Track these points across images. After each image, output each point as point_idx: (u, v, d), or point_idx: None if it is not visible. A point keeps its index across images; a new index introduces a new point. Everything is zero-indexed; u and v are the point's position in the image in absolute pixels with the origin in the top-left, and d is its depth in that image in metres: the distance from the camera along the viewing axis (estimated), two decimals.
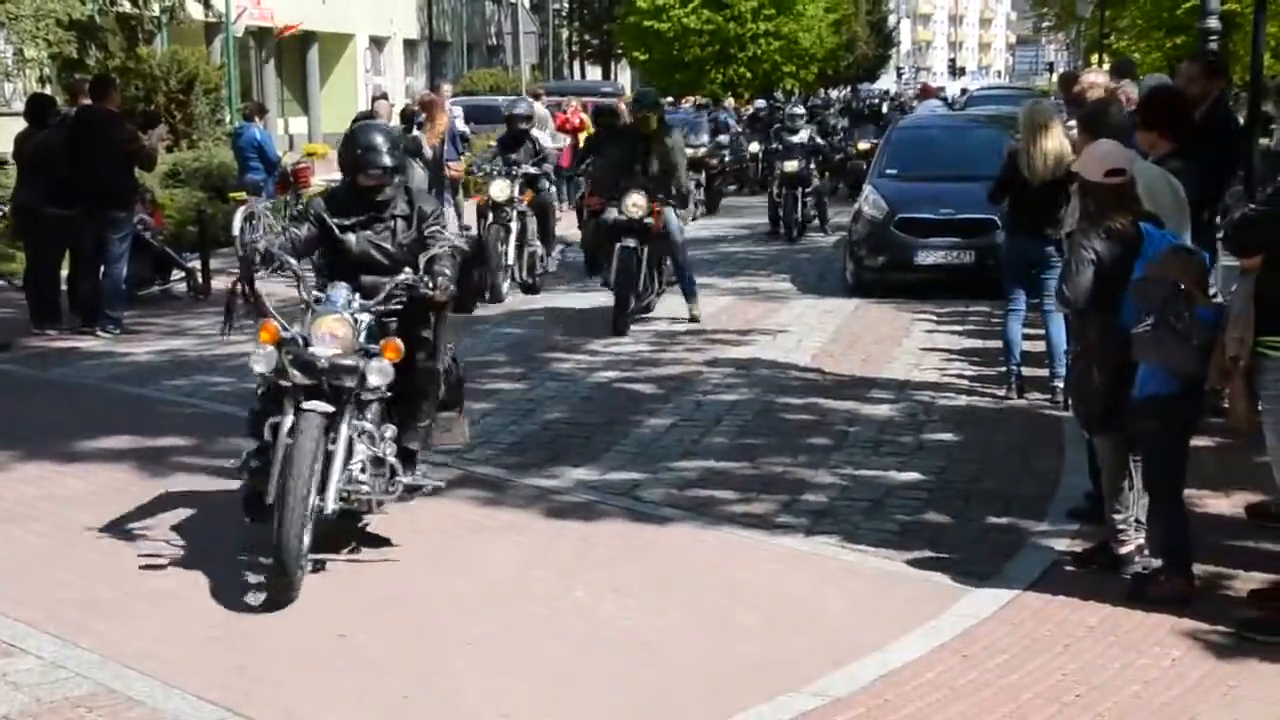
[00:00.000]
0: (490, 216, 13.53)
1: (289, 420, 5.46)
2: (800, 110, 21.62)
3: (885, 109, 35.03)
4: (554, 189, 17.65)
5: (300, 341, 5.63)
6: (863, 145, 24.36)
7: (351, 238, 6.08)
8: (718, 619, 5.29)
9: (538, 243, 13.58)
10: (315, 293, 5.90)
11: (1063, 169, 8.03)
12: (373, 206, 6.11)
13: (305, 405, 5.46)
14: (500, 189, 13.27)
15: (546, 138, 17.45)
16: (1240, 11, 23.13)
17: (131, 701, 4.55)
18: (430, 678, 4.76)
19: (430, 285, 5.84)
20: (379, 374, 5.61)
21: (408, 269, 5.97)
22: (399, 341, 5.80)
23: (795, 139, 18.88)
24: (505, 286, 13.10)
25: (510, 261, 13.20)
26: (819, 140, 20.30)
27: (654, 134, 11.97)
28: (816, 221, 19.47)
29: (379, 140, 6.10)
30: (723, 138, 26.43)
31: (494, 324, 12.07)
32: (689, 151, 15.52)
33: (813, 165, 19.15)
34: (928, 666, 4.78)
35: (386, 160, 6.07)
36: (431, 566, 5.90)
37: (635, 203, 11.54)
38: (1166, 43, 31.59)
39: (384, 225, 6.13)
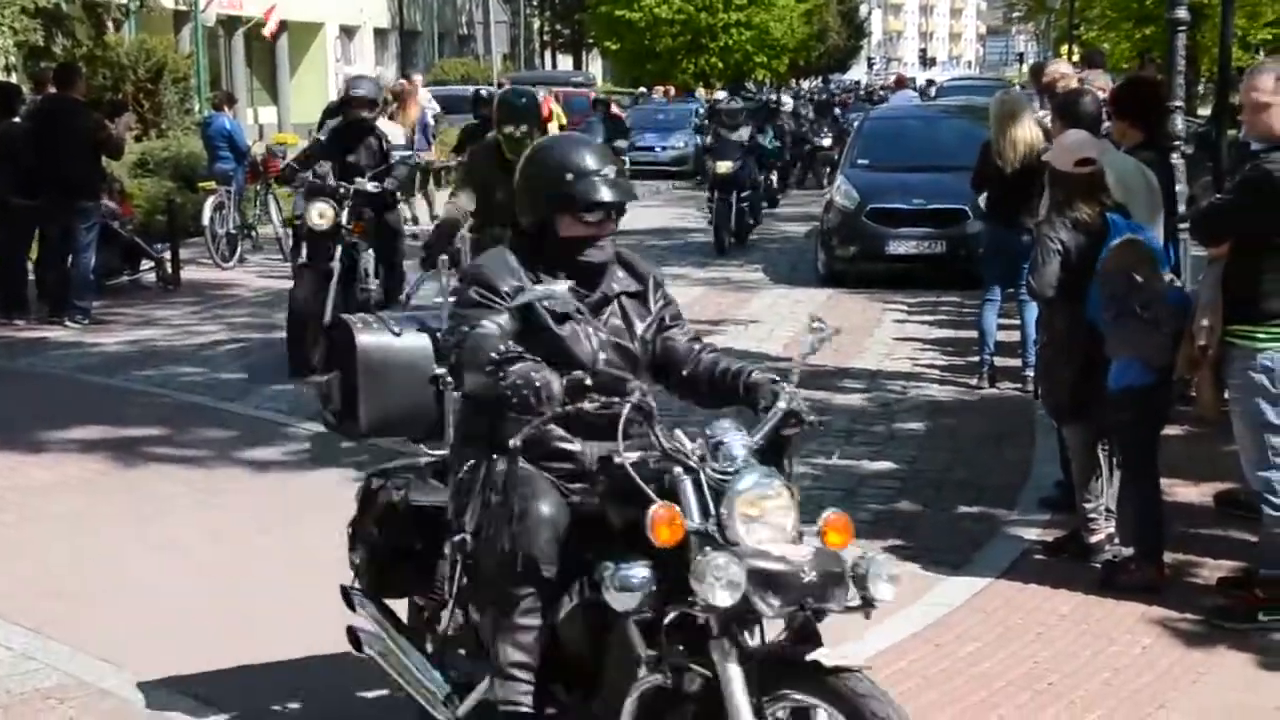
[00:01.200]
0: (305, 252, 9.64)
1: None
2: (738, 104, 19.29)
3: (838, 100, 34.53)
4: (406, 208, 15.13)
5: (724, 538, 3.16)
6: (825, 142, 24.53)
7: (585, 336, 3.59)
8: None
9: (374, 285, 9.54)
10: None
11: (1034, 157, 8.07)
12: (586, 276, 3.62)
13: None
14: (320, 214, 9.20)
15: (398, 132, 13.86)
16: (1208, 3, 23.22)
17: (102, 693, 4.52)
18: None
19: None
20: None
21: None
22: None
23: (733, 136, 16.76)
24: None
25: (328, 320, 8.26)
26: (760, 138, 18.74)
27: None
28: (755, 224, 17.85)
29: (601, 161, 3.57)
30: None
31: None
32: None
33: (751, 166, 17.31)
34: (900, 655, 4.80)
35: (607, 195, 3.53)
36: None
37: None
38: (1136, 33, 31.70)
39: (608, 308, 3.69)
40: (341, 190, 9.30)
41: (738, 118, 17.39)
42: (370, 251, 9.48)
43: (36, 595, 5.39)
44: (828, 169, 23.47)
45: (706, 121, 21.23)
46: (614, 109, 23.46)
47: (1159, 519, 5.44)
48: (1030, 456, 7.26)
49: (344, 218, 9.22)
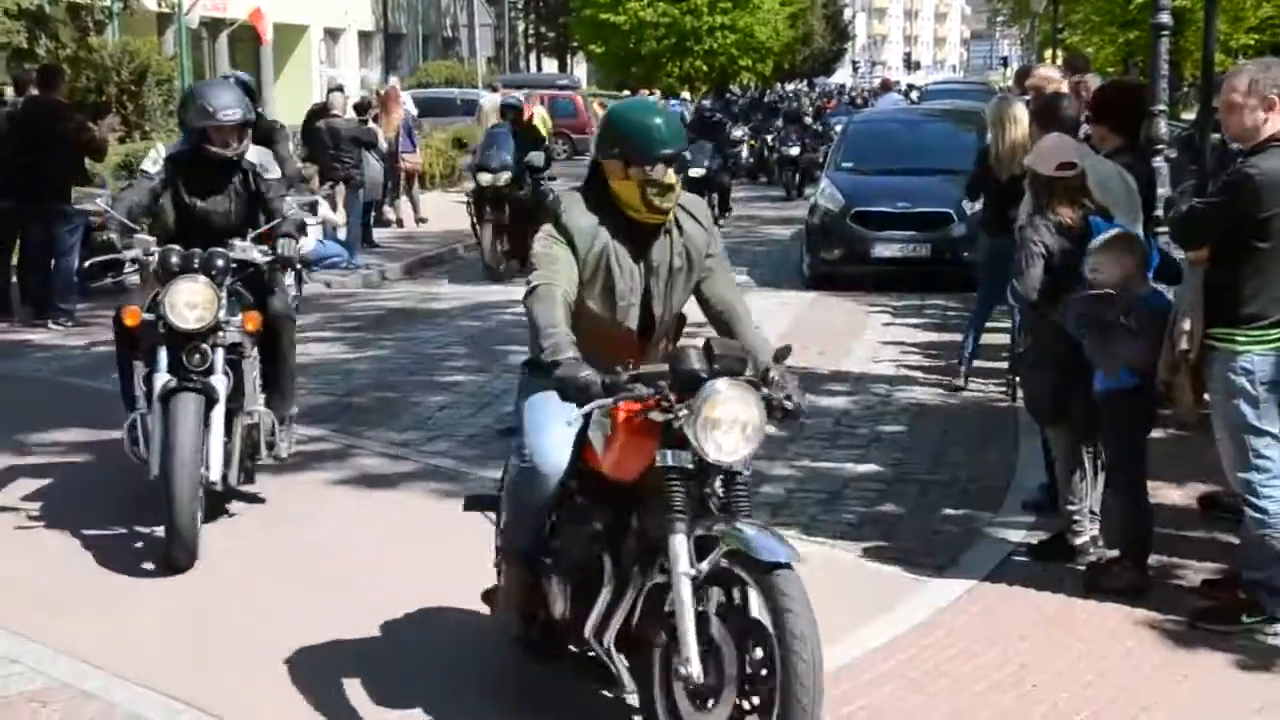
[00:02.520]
0: (143, 380, 6.09)
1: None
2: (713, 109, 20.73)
3: (802, 106, 32.21)
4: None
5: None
6: (793, 151, 23.35)
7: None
8: None
9: (260, 411, 6.34)
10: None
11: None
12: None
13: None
14: (193, 303, 5.87)
15: (272, 162, 6.66)
16: (1191, 7, 23.33)
17: (86, 695, 4.51)
18: (379, 663, 4.74)
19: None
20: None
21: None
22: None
23: (705, 141, 17.74)
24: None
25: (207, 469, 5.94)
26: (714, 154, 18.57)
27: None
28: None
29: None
30: None
31: (451, 317, 12.04)
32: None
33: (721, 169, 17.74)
34: (884, 657, 4.81)
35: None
36: (386, 557, 5.87)
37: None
38: (1120, 37, 31.84)
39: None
40: (216, 262, 5.91)
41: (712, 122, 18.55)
42: (255, 360, 6.23)
43: (19, 600, 5.37)
44: (797, 179, 22.98)
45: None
46: (533, 114, 19.28)
47: (1145, 522, 5.45)
48: (1014, 459, 7.27)
49: (222, 308, 5.89)
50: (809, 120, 27.47)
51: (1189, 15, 23.70)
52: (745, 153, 25.97)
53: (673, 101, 33.03)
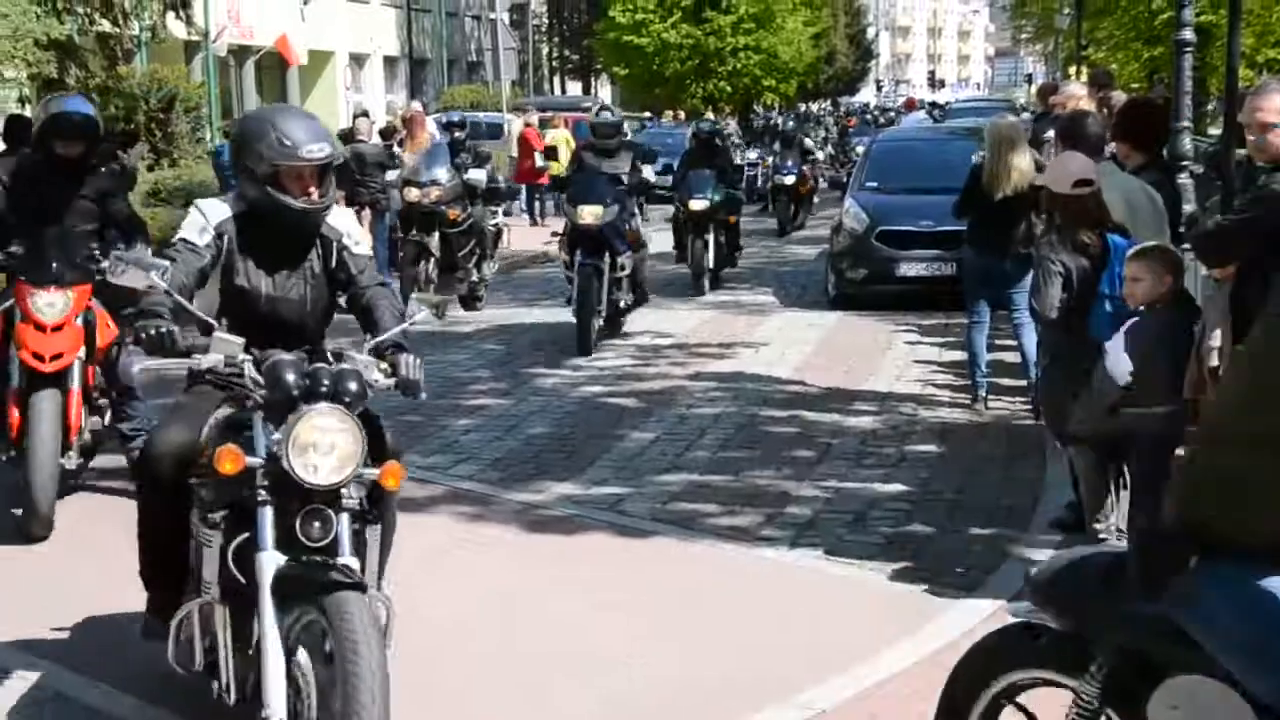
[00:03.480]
0: (266, 528, 3.90)
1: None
2: (712, 129, 17.50)
3: (790, 126, 28.54)
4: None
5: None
6: (788, 180, 21.01)
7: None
8: (701, 632, 5.29)
9: (384, 598, 4.34)
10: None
11: (1025, 185, 8.10)
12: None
13: None
14: (328, 449, 3.83)
15: (356, 228, 4.99)
16: (1216, 23, 23.24)
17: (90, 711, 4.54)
18: (409, 690, 4.75)
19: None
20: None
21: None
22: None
23: (706, 170, 15.27)
24: None
25: None
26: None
27: None
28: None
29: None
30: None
31: (478, 339, 12.08)
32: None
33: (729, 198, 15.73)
34: (913, 678, 4.79)
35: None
36: (414, 581, 5.89)
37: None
38: (1144, 53, 31.73)
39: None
40: (349, 385, 3.97)
41: (714, 146, 16.05)
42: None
43: (22, 613, 5.40)
44: (792, 210, 21.20)
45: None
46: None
47: None
48: (1041, 478, 7.25)
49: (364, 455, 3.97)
50: (811, 142, 25.48)
51: (1214, 30, 23.61)
52: (760, 180, 24.10)
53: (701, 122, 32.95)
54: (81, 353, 6.55)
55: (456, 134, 14.64)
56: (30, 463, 6.23)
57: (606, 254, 11.30)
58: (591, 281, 11.21)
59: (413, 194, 13.06)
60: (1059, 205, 5.63)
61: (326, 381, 3.86)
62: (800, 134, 25.06)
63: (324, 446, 3.74)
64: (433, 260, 13.08)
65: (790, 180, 21.05)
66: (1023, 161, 8.45)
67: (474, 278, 13.66)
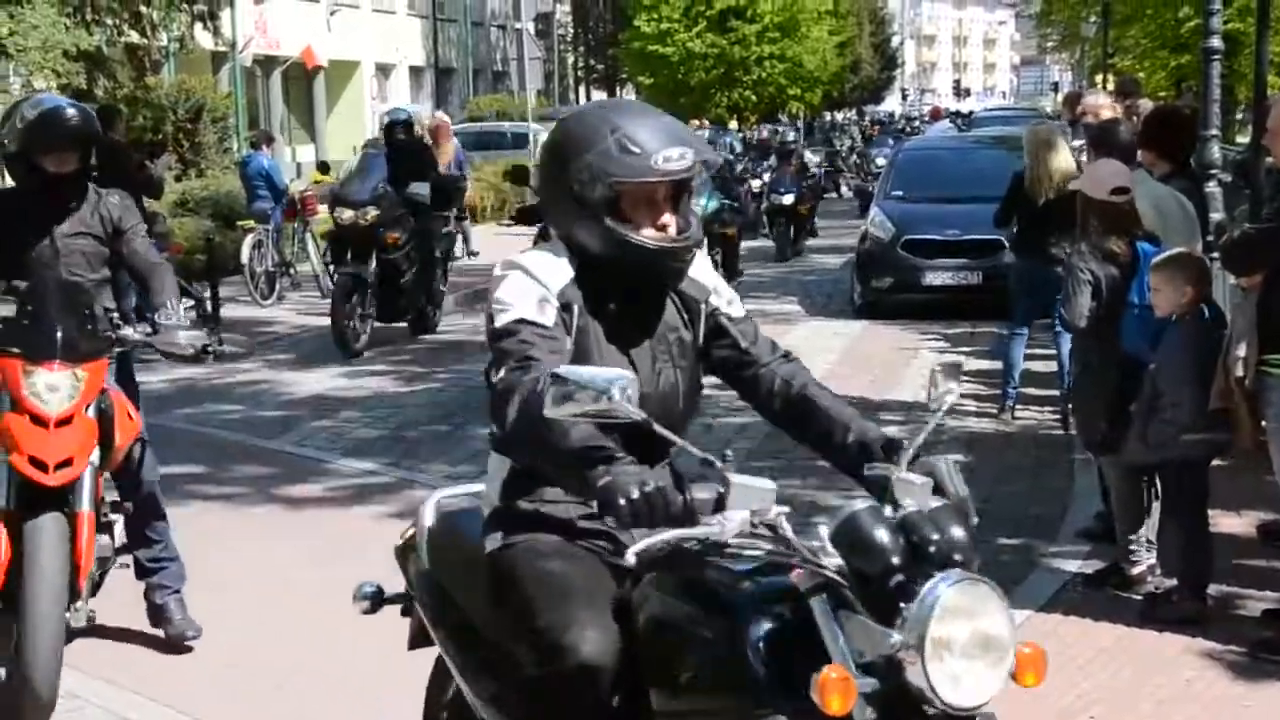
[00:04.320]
0: None
1: None
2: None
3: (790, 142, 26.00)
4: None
5: None
6: (785, 200, 18.58)
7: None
8: None
9: None
10: None
11: (1067, 187, 8.06)
12: None
13: None
14: None
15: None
16: (1244, 31, 23.14)
17: None
18: None
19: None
20: None
21: None
22: None
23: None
24: None
25: None
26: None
27: None
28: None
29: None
30: None
31: None
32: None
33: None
34: None
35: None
36: None
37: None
38: (1171, 61, 31.62)
39: None
40: None
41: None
42: None
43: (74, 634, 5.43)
44: (791, 234, 18.89)
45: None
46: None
47: (1204, 550, 5.39)
48: (1069, 488, 7.22)
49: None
50: (813, 156, 23.63)
51: (1241, 38, 23.50)
52: (748, 198, 21.11)
53: (723, 132, 32.99)
54: (95, 456, 4.61)
55: (400, 136, 12.71)
56: (24, 619, 4.30)
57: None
58: None
59: (346, 215, 11.47)
60: (1095, 211, 5.60)
61: (935, 536, 2.53)
62: (801, 148, 22.67)
63: (970, 645, 2.44)
64: (368, 295, 11.47)
65: (788, 200, 18.56)
66: (1061, 164, 8.42)
67: (422, 303, 12.32)
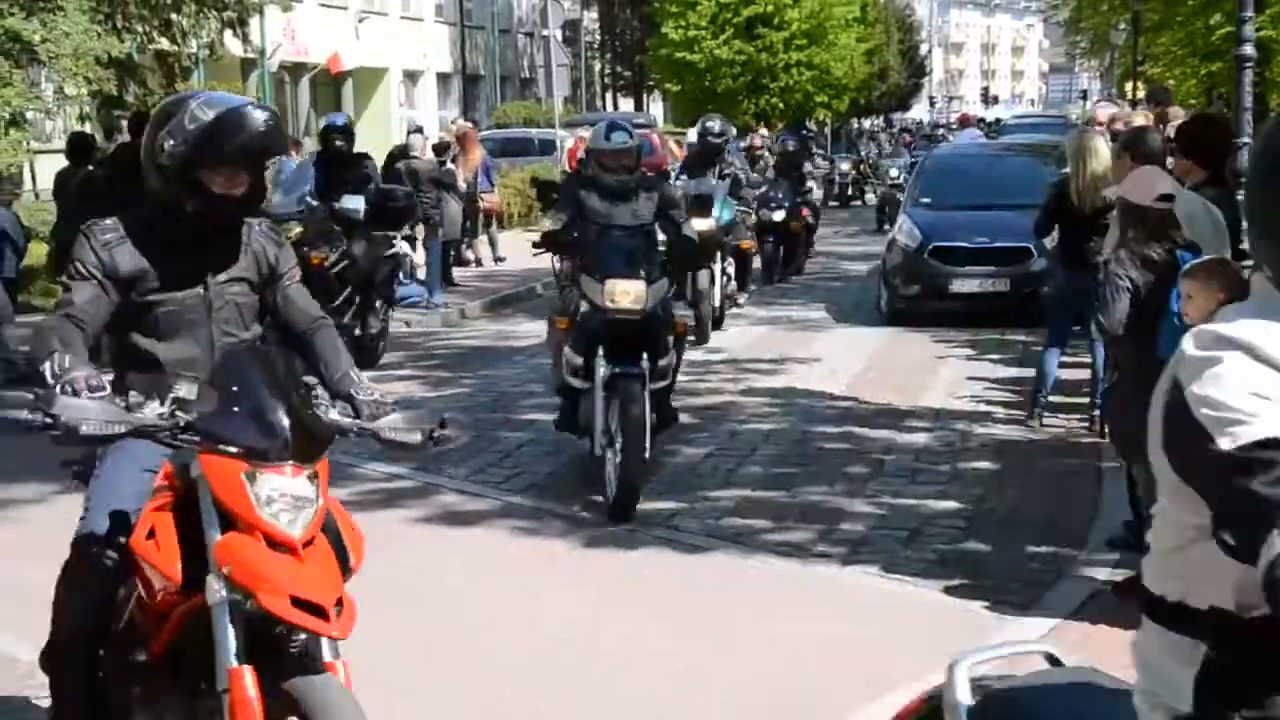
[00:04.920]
0: None
1: None
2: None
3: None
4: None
5: None
6: (775, 216, 16.33)
7: None
8: (754, 649, 5.28)
9: None
10: None
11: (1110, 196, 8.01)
12: None
13: None
14: None
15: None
16: (1276, 38, 23.03)
17: None
18: (472, 700, 4.77)
19: None
20: None
21: None
22: None
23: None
24: None
25: None
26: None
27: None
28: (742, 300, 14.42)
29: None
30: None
31: (530, 355, 12.11)
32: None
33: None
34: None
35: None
36: (467, 596, 5.91)
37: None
38: (1202, 69, 31.44)
39: None
40: None
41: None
42: None
43: None
44: (781, 255, 16.98)
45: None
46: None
47: None
48: (1098, 495, 7.19)
49: None
50: (812, 168, 22.27)
51: (1274, 45, 23.38)
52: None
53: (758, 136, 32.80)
54: None
55: (337, 143, 11.47)
56: None
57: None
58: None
59: None
60: (1135, 217, 5.57)
61: None
62: (802, 158, 20.44)
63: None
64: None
65: (779, 216, 16.31)
66: (1104, 170, 8.35)
67: (359, 331, 10.71)
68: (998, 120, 44.07)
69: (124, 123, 12.74)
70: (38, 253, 14.18)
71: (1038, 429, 8.78)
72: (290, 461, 3.25)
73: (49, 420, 3.11)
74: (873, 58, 55.72)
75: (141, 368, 3.72)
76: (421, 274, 14.94)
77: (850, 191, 28.70)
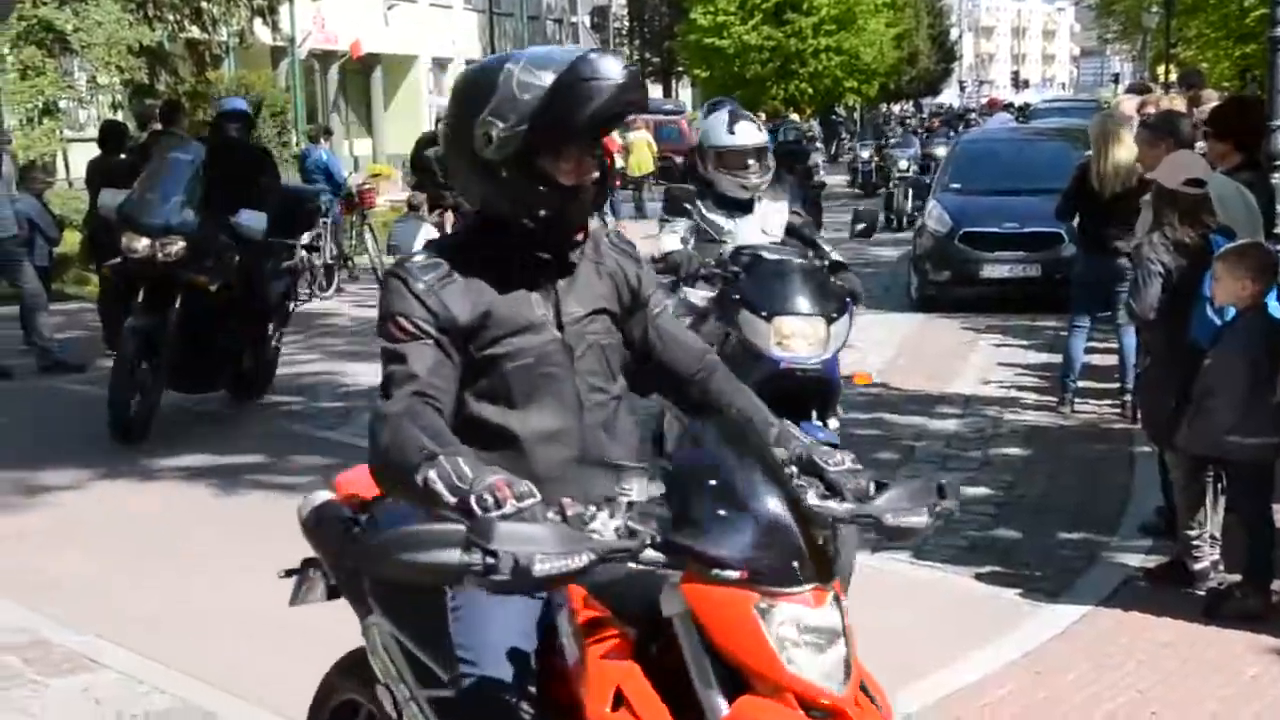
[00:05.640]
0: None
1: None
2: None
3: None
4: None
5: None
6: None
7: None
8: None
9: None
10: None
11: (1134, 180, 7.97)
12: None
13: None
14: None
15: None
16: None
17: (208, 715, 4.62)
18: None
19: None
20: None
21: None
22: None
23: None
24: None
25: None
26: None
27: None
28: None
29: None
30: None
31: None
32: None
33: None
34: (999, 683, 4.75)
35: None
36: None
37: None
38: (1235, 51, 31.18)
39: None
40: None
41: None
42: None
43: (143, 621, 5.51)
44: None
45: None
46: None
47: (1270, 546, 5.33)
48: (1129, 482, 7.16)
49: None
50: (819, 158, 21.27)
51: None
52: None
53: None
54: None
55: (232, 134, 9.70)
56: None
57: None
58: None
59: (138, 245, 8.13)
60: (1168, 202, 5.54)
61: None
62: (807, 151, 19.10)
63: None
64: (150, 358, 8.22)
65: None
66: (1126, 155, 8.33)
67: (248, 363, 9.18)
68: (1026, 105, 43.75)
69: (157, 110, 12.79)
70: (71, 241, 14.31)
71: (1069, 415, 8.75)
72: (812, 584, 2.30)
73: (490, 562, 2.11)
74: (902, 42, 55.47)
75: (484, 447, 2.57)
76: None
77: (875, 179, 28.38)
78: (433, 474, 2.33)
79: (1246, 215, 6.09)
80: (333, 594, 3.40)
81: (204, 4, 19.00)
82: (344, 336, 12.52)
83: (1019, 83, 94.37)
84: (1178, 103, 8.68)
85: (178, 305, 8.23)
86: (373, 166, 29.70)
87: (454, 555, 2.13)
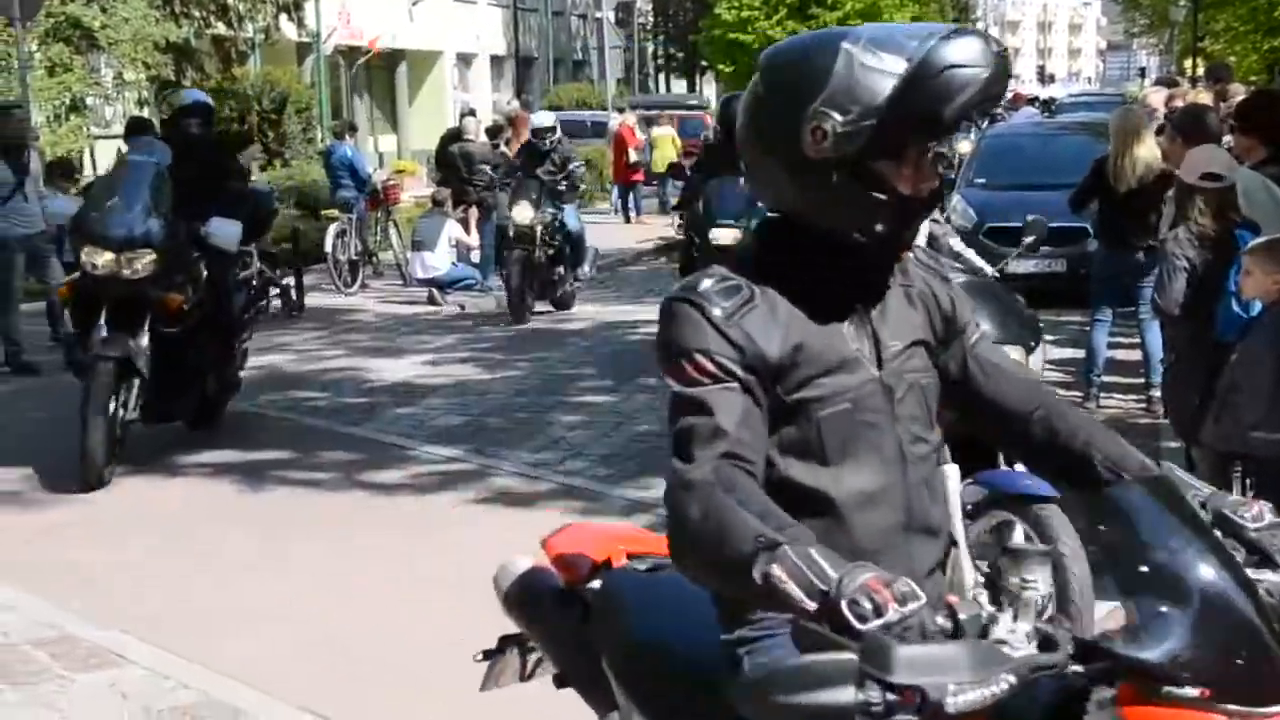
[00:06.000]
0: None
1: None
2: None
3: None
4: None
5: None
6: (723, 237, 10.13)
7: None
8: None
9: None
10: None
11: (1152, 176, 7.95)
12: None
13: None
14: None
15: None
16: None
17: (236, 711, 4.63)
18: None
19: None
20: None
21: None
22: None
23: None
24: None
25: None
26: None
27: None
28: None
29: None
30: None
31: (584, 337, 12.15)
32: None
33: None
34: None
35: None
36: None
37: None
38: (1263, 44, 31.00)
39: None
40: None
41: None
42: None
43: (170, 616, 5.54)
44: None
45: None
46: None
47: None
48: None
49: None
50: None
51: None
52: None
53: None
54: None
55: (194, 130, 8.50)
56: None
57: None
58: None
59: (101, 259, 7.24)
60: (1188, 197, 5.52)
61: None
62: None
63: None
64: (135, 389, 7.36)
65: (726, 238, 9.70)
66: (1147, 151, 8.30)
67: (212, 387, 8.26)
68: (1052, 99, 43.54)
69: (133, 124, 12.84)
70: None
71: (1094, 410, 8.71)
72: None
73: (891, 698, 1.62)
74: None
75: (790, 514, 1.99)
76: (475, 256, 14.99)
77: None
78: (778, 570, 1.83)
79: (1273, 209, 6.04)
80: (560, 683, 2.90)
81: (230, 0, 19.10)
82: (368, 332, 12.56)
83: (1045, 77, 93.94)
84: (1204, 97, 8.62)
85: (146, 331, 7.30)
86: (397, 163, 29.77)
87: (847, 694, 1.67)
